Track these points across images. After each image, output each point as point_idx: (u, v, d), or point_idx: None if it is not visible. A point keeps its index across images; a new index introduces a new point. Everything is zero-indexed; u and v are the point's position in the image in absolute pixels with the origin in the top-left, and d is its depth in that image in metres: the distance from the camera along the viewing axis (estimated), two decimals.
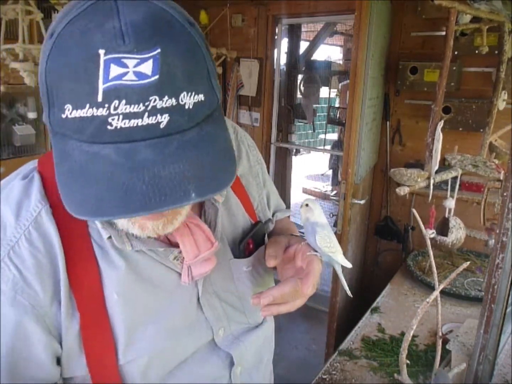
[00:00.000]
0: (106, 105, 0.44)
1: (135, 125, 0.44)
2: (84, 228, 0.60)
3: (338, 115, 5.21)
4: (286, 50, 3.68)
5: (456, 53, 2.14)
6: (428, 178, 1.31)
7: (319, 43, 4.46)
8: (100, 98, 0.44)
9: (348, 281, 2.51)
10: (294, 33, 3.69)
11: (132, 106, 0.44)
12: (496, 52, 1.60)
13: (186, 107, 0.47)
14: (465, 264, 0.99)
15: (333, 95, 6.31)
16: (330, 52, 8.23)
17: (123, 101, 0.44)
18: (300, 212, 0.72)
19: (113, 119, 0.44)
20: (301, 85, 4.10)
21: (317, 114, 5.66)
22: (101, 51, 0.44)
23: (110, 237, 0.60)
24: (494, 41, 1.72)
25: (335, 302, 2.25)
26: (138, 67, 0.44)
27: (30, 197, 0.59)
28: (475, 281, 1.98)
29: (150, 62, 0.44)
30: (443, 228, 1.38)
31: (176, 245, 0.66)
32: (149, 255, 0.64)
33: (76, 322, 0.58)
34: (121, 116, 0.44)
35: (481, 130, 1.57)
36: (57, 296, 0.57)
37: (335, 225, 2.39)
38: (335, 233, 2.24)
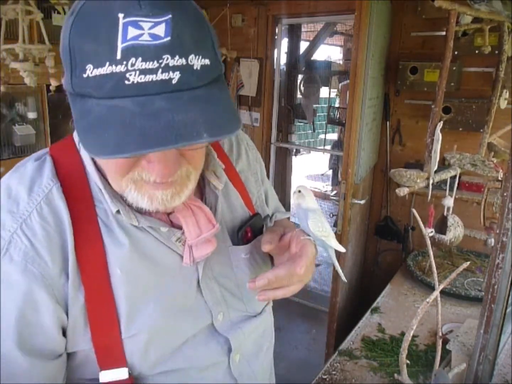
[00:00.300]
0: (124, 62, 0.49)
1: (150, 80, 0.49)
2: (91, 208, 0.64)
3: (338, 115, 5.21)
4: (286, 50, 3.68)
5: (456, 53, 2.14)
6: (428, 178, 1.31)
7: (319, 43, 4.45)
8: (119, 56, 0.49)
9: (348, 281, 2.50)
10: (294, 33, 3.69)
11: (148, 63, 0.49)
12: (496, 52, 1.60)
13: (195, 67, 0.52)
14: (465, 264, 0.99)
15: (333, 95, 6.31)
16: (330, 52, 8.23)
17: (140, 59, 0.49)
18: (292, 198, 0.74)
19: (130, 75, 0.49)
20: (301, 85, 4.10)
21: (317, 114, 5.65)
22: (120, 15, 0.49)
23: (118, 211, 0.63)
24: (494, 41, 1.72)
25: (335, 302, 2.25)
26: (153, 29, 0.50)
27: (43, 176, 0.63)
28: (475, 281, 1.98)
29: (163, 25, 0.50)
30: (441, 226, 1.38)
31: (179, 227, 0.69)
32: (152, 235, 0.67)
33: (82, 295, 0.62)
34: (137, 72, 0.49)
35: (481, 130, 1.57)
36: (65, 269, 0.61)
37: (335, 225, 2.39)
38: (335, 233, 2.24)
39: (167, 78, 0.50)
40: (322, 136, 7.54)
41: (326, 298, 3.01)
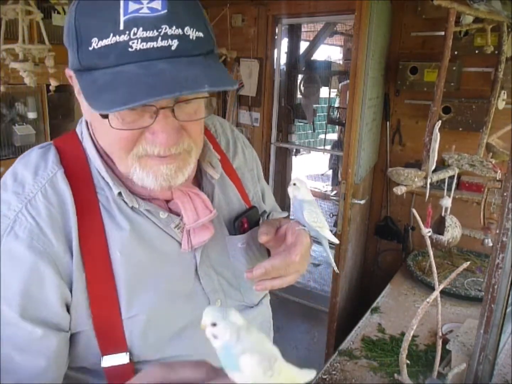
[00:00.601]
0: (127, 32, 0.54)
1: (151, 46, 0.54)
2: (93, 193, 0.67)
3: (338, 115, 5.21)
4: (286, 50, 3.68)
5: (456, 53, 2.14)
6: (425, 177, 1.31)
7: (319, 43, 4.45)
8: (121, 27, 0.54)
9: (348, 281, 2.50)
10: (294, 33, 3.69)
11: (148, 32, 0.54)
12: (496, 52, 1.60)
13: (190, 37, 0.57)
14: (465, 264, 0.99)
15: (333, 95, 6.31)
16: (330, 52, 8.23)
17: (141, 28, 0.54)
18: (288, 191, 0.76)
19: (133, 43, 0.54)
20: (301, 85, 4.10)
21: (317, 114, 5.65)
22: None
23: (120, 194, 0.66)
24: (494, 41, 1.72)
25: (335, 302, 2.25)
26: (151, 3, 0.55)
27: (47, 161, 0.67)
28: (475, 281, 1.98)
29: (160, 0, 0.55)
30: (439, 226, 1.38)
31: (177, 215, 0.72)
32: (152, 221, 0.69)
33: (84, 274, 0.64)
34: (139, 40, 0.54)
35: (481, 130, 1.57)
36: (69, 248, 0.63)
37: (335, 225, 2.40)
38: (335, 233, 2.24)
39: (166, 45, 0.55)
40: (322, 136, 7.54)
41: (326, 298, 3.01)
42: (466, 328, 1.34)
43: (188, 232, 0.71)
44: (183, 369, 0.45)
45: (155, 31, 0.54)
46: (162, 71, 0.54)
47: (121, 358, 0.67)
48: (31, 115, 2.52)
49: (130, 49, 0.54)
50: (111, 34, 0.54)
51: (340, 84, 5.60)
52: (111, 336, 0.66)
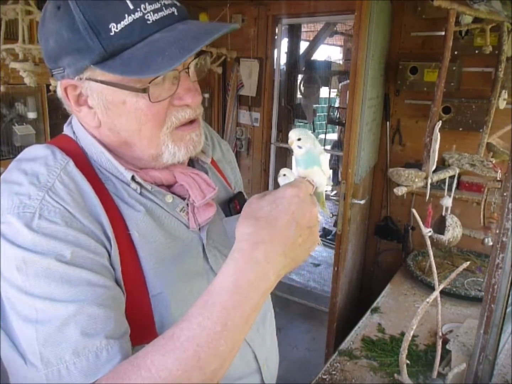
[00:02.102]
0: (138, 9, 0.60)
1: (162, 16, 0.62)
2: (100, 183, 0.69)
3: (338, 115, 5.22)
4: (286, 50, 3.68)
5: (456, 53, 2.14)
6: (426, 178, 1.31)
7: (319, 43, 4.46)
8: (131, 6, 0.60)
9: (348, 281, 2.50)
10: (294, 33, 3.69)
11: (153, 4, 0.61)
12: (496, 52, 1.60)
13: (178, 5, 0.65)
14: (465, 264, 0.99)
15: (333, 95, 6.31)
16: (330, 52, 8.24)
17: (146, 3, 0.61)
18: (278, 181, 0.73)
19: (148, 16, 0.61)
20: (301, 85, 4.10)
21: (317, 114, 5.66)
22: None
23: (133, 177, 0.69)
24: (494, 41, 1.72)
25: (335, 302, 2.25)
26: None
27: (55, 154, 0.67)
28: (475, 281, 1.98)
29: None
30: (439, 226, 1.38)
31: (181, 198, 0.75)
32: (160, 206, 0.72)
33: (117, 251, 0.65)
34: (151, 12, 0.61)
35: (481, 130, 1.57)
36: (102, 232, 0.64)
37: (335, 225, 2.40)
38: (335, 233, 2.24)
39: (170, 12, 0.63)
40: (322, 136, 7.54)
41: (326, 298, 3.01)
42: (466, 328, 1.34)
43: (193, 211, 0.75)
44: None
45: (157, 3, 0.61)
46: (185, 30, 0.62)
47: None
48: (31, 115, 2.52)
49: (148, 22, 0.60)
50: (126, 15, 0.59)
51: (340, 84, 5.60)
52: (142, 317, 0.67)
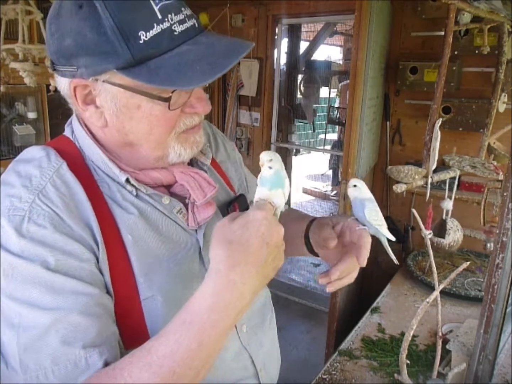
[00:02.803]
0: (166, 19, 0.61)
1: (186, 27, 0.63)
2: (95, 185, 0.69)
3: (338, 115, 5.22)
4: (286, 50, 3.68)
5: (456, 53, 2.14)
6: (426, 176, 1.30)
7: (319, 43, 4.46)
8: (160, 16, 0.60)
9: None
10: (294, 33, 3.69)
11: (178, 15, 0.62)
12: (496, 52, 1.60)
13: (193, 15, 0.66)
14: (465, 264, 0.99)
15: (333, 95, 6.31)
16: (330, 52, 8.24)
17: (173, 13, 0.61)
18: (348, 192, 0.80)
19: (174, 27, 0.61)
20: (301, 85, 4.10)
21: (317, 114, 5.66)
22: None
23: (127, 180, 0.69)
24: (494, 41, 1.72)
25: (335, 302, 2.25)
26: None
27: (50, 157, 0.68)
28: (475, 281, 1.98)
29: None
30: (440, 230, 1.37)
31: (180, 200, 0.75)
32: (156, 208, 0.72)
33: (107, 259, 0.65)
34: (177, 23, 0.62)
35: (481, 130, 1.57)
36: (91, 236, 0.64)
37: None
38: None
39: (192, 24, 0.64)
40: (322, 136, 7.54)
41: (326, 298, 3.01)
42: (466, 328, 1.34)
43: (192, 210, 0.75)
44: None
45: (181, 14, 0.62)
46: (210, 44, 0.64)
47: None
48: (31, 115, 2.52)
49: (175, 33, 0.61)
50: (155, 24, 0.59)
51: (340, 84, 5.60)
52: (133, 320, 0.67)
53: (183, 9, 0.63)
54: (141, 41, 0.59)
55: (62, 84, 0.67)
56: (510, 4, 1.35)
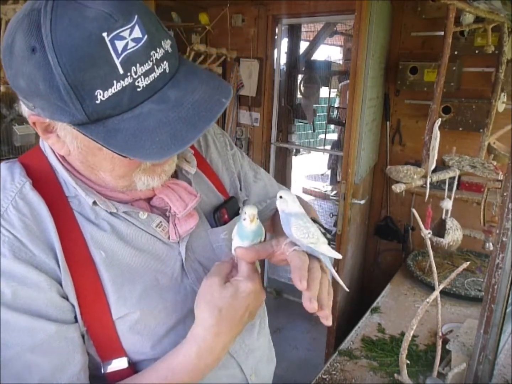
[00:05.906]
0: (128, 74, 0.53)
1: (153, 78, 0.55)
2: (65, 202, 0.67)
3: (338, 115, 5.22)
4: (286, 50, 3.68)
5: (456, 53, 2.14)
6: (425, 176, 1.30)
7: (319, 43, 4.46)
8: (121, 71, 0.52)
9: (348, 281, 2.49)
10: (294, 33, 3.70)
11: (144, 65, 0.54)
12: (497, 52, 1.60)
13: (169, 51, 0.57)
14: (465, 264, 0.99)
15: (333, 95, 6.31)
16: (330, 52, 8.24)
17: (137, 65, 0.53)
18: (276, 205, 0.70)
19: (138, 82, 0.54)
20: (301, 85, 4.10)
21: (317, 114, 5.66)
22: (104, 34, 0.51)
23: (94, 202, 0.66)
24: (494, 41, 1.72)
25: (335, 302, 2.25)
26: (132, 34, 0.53)
27: (14, 175, 0.65)
28: (475, 281, 1.98)
29: (137, 27, 0.54)
30: (439, 229, 1.37)
31: (160, 212, 0.73)
32: (132, 223, 0.70)
33: (71, 281, 0.64)
34: (142, 77, 0.54)
35: (481, 130, 1.57)
36: (53, 257, 0.62)
37: (335, 225, 2.40)
38: (335, 233, 2.24)
39: (162, 70, 0.56)
40: (322, 136, 7.54)
41: None
42: (466, 328, 1.34)
43: (174, 222, 0.73)
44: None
45: (149, 61, 0.54)
46: (178, 100, 0.56)
47: (120, 363, 0.67)
48: None
49: (138, 89, 0.54)
50: (115, 82, 0.52)
51: (340, 84, 5.60)
52: (105, 339, 0.66)
53: (152, 52, 0.54)
54: (98, 101, 0.53)
55: (23, 109, 0.62)
56: (510, 4, 1.35)
